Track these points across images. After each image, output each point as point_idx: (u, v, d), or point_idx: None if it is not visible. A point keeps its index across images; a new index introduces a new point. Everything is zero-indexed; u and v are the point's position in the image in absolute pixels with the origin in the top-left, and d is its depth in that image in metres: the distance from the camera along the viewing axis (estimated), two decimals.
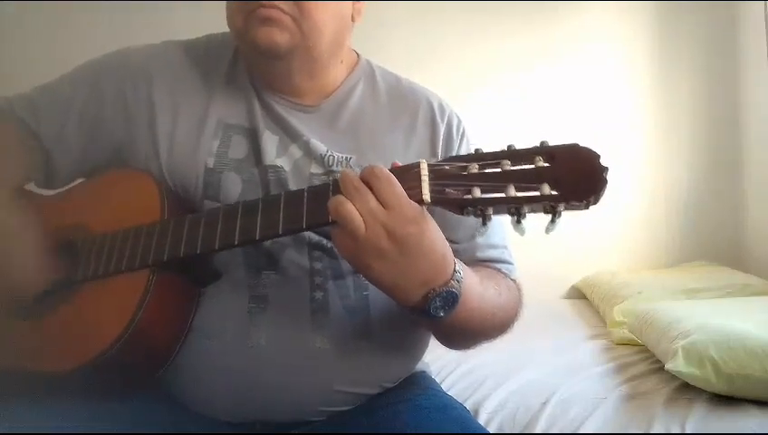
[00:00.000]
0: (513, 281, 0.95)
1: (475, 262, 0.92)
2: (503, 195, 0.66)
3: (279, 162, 0.89)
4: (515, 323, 0.93)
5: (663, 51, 2.47)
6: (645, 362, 1.52)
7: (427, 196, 0.69)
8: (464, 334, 0.87)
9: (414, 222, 0.69)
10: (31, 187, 0.96)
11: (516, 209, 0.66)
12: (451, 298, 0.73)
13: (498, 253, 0.95)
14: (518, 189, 0.66)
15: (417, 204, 0.69)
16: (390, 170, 0.70)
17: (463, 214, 0.68)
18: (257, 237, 0.76)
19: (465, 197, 0.67)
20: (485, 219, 0.67)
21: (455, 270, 0.73)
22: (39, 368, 0.81)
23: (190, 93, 0.93)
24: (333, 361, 0.86)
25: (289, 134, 0.91)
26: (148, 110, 0.91)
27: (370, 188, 0.68)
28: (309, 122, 0.92)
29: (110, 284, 0.83)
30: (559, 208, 0.65)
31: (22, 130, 0.94)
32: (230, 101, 0.93)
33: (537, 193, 0.65)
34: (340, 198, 0.68)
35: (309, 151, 0.90)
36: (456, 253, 0.89)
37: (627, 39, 2.48)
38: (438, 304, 0.73)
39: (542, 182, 0.65)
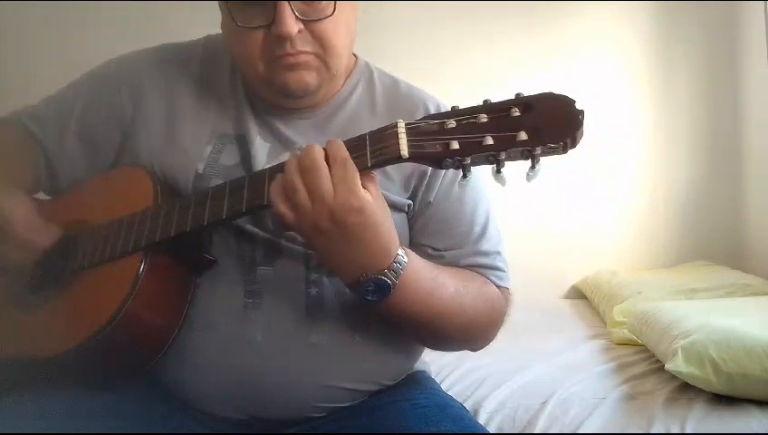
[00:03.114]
0: (504, 289, 0.94)
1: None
2: (480, 144, 0.67)
3: None
4: (497, 331, 0.93)
5: (663, 51, 2.47)
6: (645, 362, 1.52)
7: (405, 151, 0.70)
8: (412, 327, 0.86)
9: (357, 212, 0.71)
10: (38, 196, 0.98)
11: (494, 157, 0.67)
12: (381, 286, 0.76)
13: (488, 260, 0.93)
14: (495, 139, 0.67)
15: (366, 196, 0.71)
16: (368, 133, 0.73)
17: (442, 167, 0.70)
18: (243, 210, 0.78)
19: (443, 150, 0.69)
20: (465, 170, 0.69)
21: (394, 261, 0.75)
22: (34, 354, 0.82)
23: (185, 98, 0.93)
24: (329, 356, 0.86)
25: (282, 142, 0.91)
26: (143, 114, 0.92)
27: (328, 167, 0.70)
28: (304, 129, 0.92)
29: (105, 270, 0.84)
30: (536, 152, 0.66)
31: (28, 138, 0.96)
32: (225, 108, 0.93)
33: (514, 139, 0.66)
34: (290, 180, 0.71)
35: None
36: (439, 260, 0.89)
37: (627, 39, 2.48)
38: (370, 288, 0.75)
39: (518, 130, 0.67)
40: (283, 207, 0.72)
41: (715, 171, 2.47)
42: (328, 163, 0.70)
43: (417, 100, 0.97)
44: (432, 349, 1.01)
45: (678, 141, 2.48)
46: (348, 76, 0.96)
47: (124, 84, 0.94)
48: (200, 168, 0.89)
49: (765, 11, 2.19)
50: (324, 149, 0.72)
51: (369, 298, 0.76)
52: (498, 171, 0.68)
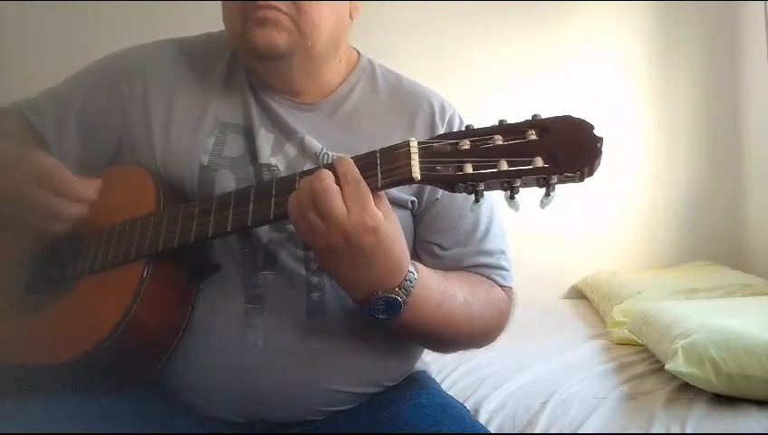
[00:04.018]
0: (508, 288, 0.94)
1: (462, 269, 0.91)
2: (494, 170, 0.65)
3: (273, 161, 0.89)
4: (501, 332, 0.93)
5: (663, 51, 2.47)
6: (645, 362, 1.52)
7: (417, 173, 0.68)
8: (421, 338, 0.87)
9: (372, 232, 0.70)
10: None
11: (509, 184, 0.65)
12: (393, 305, 0.75)
13: (493, 259, 0.93)
14: (510, 164, 0.65)
15: (379, 215, 0.69)
16: (380, 150, 0.71)
17: (454, 191, 0.68)
18: (249, 223, 0.77)
19: (456, 173, 0.67)
20: (478, 196, 0.67)
21: (405, 278, 0.74)
22: (36, 361, 0.82)
23: (186, 92, 0.93)
24: (330, 361, 0.86)
25: (284, 133, 0.91)
26: (144, 109, 0.92)
27: (339, 187, 0.69)
28: (306, 121, 0.92)
29: (107, 276, 0.83)
30: (552, 181, 0.64)
31: (28, 129, 0.95)
32: (227, 99, 0.93)
33: (530, 166, 0.64)
34: (303, 201, 0.69)
35: (304, 149, 0.90)
36: (443, 258, 0.89)
37: (627, 39, 2.48)
38: (380, 307, 0.74)
39: (534, 155, 0.65)
40: (298, 228, 0.72)
41: (715, 171, 2.47)
42: (339, 183, 0.69)
43: (422, 97, 0.97)
44: (437, 353, 1.02)
45: (678, 141, 2.48)
46: (350, 72, 0.97)
47: (125, 79, 0.94)
48: (204, 159, 0.89)
49: (765, 11, 2.19)
50: (333, 166, 0.71)
51: (380, 317, 0.75)
52: (512, 197, 0.66)
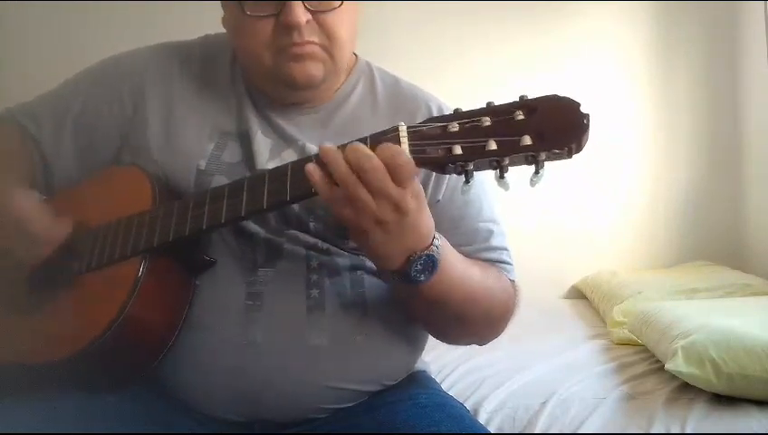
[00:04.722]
0: (512, 281, 0.95)
1: None
2: (483, 150, 0.66)
3: (271, 165, 0.88)
4: (508, 323, 0.93)
5: (663, 51, 2.47)
6: (645, 362, 1.52)
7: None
8: (446, 310, 0.85)
9: (418, 196, 0.71)
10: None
11: (497, 163, 0.67)
12: (431, 262, 0.75)
13: (496, 255, 0.94)
14: (499, 144, 0.66)
15: (418, 182, 0.70)
16: (370, 136, 0.72)
17: (445, 172, 0.70)
18: (243, 214, 0.77)
19: (446, 155, 0.68)
20: (468, 176, 0.68)
21: (434, 237, 0.75)
22: (34, 360, 0.82)
23: (185, 96, 0.93)
24: (330, 358, 0.86)
25: (284, 138, 0.91)
26: (143, 111, 0.92)
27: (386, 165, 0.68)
28: (305, 125, 0.92)
29: (104, 274, 0.84)
30: (540, 158, 0.66)
31: (24, 137, 0.95)
32: (226, 104, 0.93)
33: (517, 145, 0.66)
34: (351, 182, 0.68)
35: (304, 155, 0.89)
36: None
37: (627, 39, 2.48)
38: (419, 267, 0.75)
39: (522, 134, 0.66)
40: (342, 211, 0.71)
41: (715, 171, 2.46)
42: (389, 163, 0.68)
43: (420, 100, 0.97)
44: (448, 340, 0.99)
45: (678, 141, 2.48)
46: (349, 74, 0.97)
47: (124, 83, 0.94)
48: (202, 164, 0.89)
49: (765, 11, 2.19)
50: (378, 149, 0.69)
51: (420, 278, 0.75)
52: (501, 176, 0.67)
